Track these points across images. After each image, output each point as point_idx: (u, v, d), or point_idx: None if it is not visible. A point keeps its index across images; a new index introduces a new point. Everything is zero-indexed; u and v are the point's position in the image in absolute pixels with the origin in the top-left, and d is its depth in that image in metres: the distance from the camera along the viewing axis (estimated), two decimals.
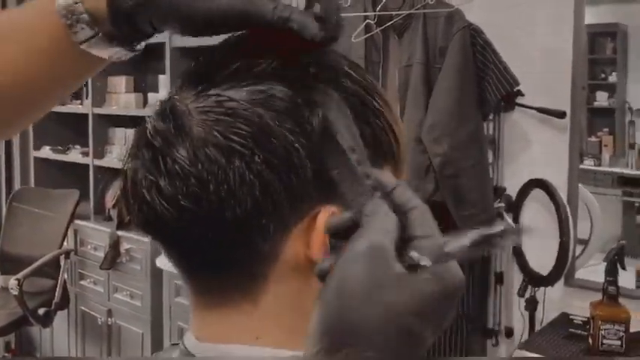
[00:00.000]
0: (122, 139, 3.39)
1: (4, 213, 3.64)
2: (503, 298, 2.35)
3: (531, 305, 2.20)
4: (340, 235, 0.45)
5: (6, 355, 3.70)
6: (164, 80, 3.14)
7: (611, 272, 1.83)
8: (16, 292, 2.82)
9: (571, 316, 2.04)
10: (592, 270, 2.19)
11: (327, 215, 0.48)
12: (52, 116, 3.50)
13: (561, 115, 2.19)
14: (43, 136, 3.72)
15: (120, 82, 3.39)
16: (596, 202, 2.31)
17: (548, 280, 2.17)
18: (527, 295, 2.23)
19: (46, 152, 3.74)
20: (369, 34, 2.22)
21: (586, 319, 1.91)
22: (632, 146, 2.36)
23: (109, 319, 3.29)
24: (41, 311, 3.09)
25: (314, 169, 0.47)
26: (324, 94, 0.48)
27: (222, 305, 0.51)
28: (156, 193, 0.48)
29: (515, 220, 2.29)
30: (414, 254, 0.42)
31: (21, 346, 3.81)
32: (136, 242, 3.12)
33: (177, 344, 0.55)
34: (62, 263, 3.21)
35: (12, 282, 2.82)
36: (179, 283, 2.75)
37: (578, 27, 2.18)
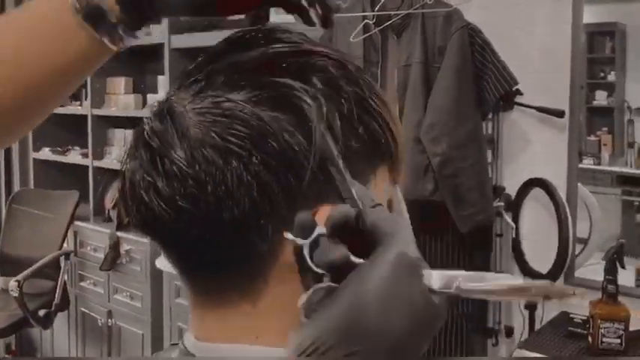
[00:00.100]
0: (121, 140, 3.39)
1: (4, 214, 3.64)
2: None
3: (531, 304, 2.20)
4: (339, 231, 0.45)
5: (6, 356, 3.70)
6: (163, 81, 3.14)
7: (611, 271, 1.83)
8: (16, 294, 2.82)
9: (571, 315, 2.04)
10: (591, 269, 2.19)
11: (324, 214, 0.47)
12: (51, 118, 3.43)
13: (560, 114, 2.19)
14: (42, 137, 3.73)
15: (119, 84, 3.40)
16: (596, 201, 2.31)
17: (548, 279, 2.17)
18: None
19: (45, 153, 3.74)
20: (368, 34, 2.22)
21: (586, 318, 1.91)
22: (631, 145, 2.36)
23: (109, 321, 3.29)
24: (41, 313, 3.09)
25: (312, 169, 0.47)
26: (322, 95, 0.49)
27: (221, 305, 0.51)
28: (154, 193, 0.48)
29: (515, 219, 2.30)
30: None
31: (21, 347, 3.81)
32: (136, 243, 3.12)
33: (177, 344, 0.55)
34: (62, 264, 3.21)
35: (12, 283, 2.83)
36: (179, 284, 2.75)
37: (576, 26, 2.18)
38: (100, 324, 3.34)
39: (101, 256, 3.25)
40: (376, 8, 2.19)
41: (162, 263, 2.81)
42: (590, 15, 2.25)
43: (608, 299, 1.82)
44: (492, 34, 2.11)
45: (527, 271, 2.26)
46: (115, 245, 3.19)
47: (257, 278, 0.49)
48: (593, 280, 2.07)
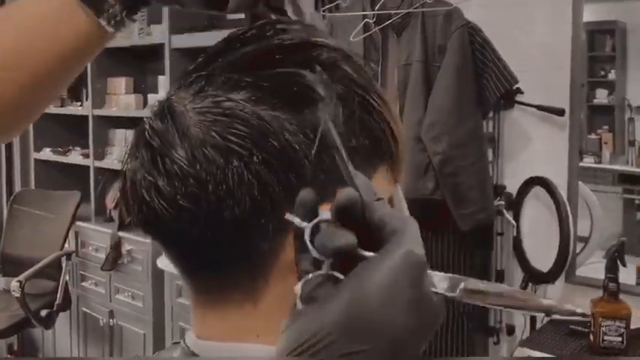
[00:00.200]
0: (122, 140, 3.39)
1: (5, 215, 3.64)
2: None
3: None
4: (344, 218, 0.43)
5: (9, 356, 3.71)
6: (164, 81, 3.14)
7: (612, 269, 1.83)
8: (18, 294, 2.82)
9: None
10: (592, 267, 2.19)
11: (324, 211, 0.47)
12: (52, 118, 3.51)
13: (561, 112, 2.19)
14: (43, 137, 3.73)
15: (119, 84, 3.40)
16: (597, 200, 2.31)
17: (549, 278, 2.17)
18: None
19: (46, 154, 3.74)
20: (368, 33, 2.22)
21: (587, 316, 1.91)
22: (631, 143, 2.36)
23: (111, 320, 3.30)
24: (43, 313, 3.09)
25: (312, 168, 0.47)
26: (323, 94, 0.49)
27: (222, 304, 0.51)
28: (155, 193, 0.48)
29: (516, 218, 2.30)
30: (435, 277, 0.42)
31: (23, 347, 3.81)
32: (137, 243, 3.12)
33: (179, 343, 0.55)
34: (63, 265, 3.21)
35: (14, 284, 2.83)
36: (180, 283, 2.75)
37: (576, 24, 2.18)
38: (101, 324, 3.34)
39: (102, 256, 3.25)
40: (376, 7, 2.19)
41: (164, 263, 2.81)
42: (591, 13, 2.25)
43: (609, 297, 1.82)
44: (492, 33, 2.11)
45: (528, 269, 2.26)
46: (116, 245, 3.19)
47: (258, 277, 0.49)
48: (594, 279, 2.07)
